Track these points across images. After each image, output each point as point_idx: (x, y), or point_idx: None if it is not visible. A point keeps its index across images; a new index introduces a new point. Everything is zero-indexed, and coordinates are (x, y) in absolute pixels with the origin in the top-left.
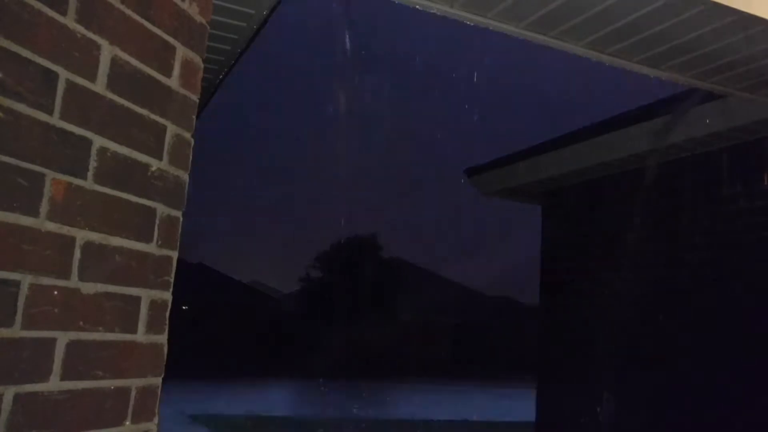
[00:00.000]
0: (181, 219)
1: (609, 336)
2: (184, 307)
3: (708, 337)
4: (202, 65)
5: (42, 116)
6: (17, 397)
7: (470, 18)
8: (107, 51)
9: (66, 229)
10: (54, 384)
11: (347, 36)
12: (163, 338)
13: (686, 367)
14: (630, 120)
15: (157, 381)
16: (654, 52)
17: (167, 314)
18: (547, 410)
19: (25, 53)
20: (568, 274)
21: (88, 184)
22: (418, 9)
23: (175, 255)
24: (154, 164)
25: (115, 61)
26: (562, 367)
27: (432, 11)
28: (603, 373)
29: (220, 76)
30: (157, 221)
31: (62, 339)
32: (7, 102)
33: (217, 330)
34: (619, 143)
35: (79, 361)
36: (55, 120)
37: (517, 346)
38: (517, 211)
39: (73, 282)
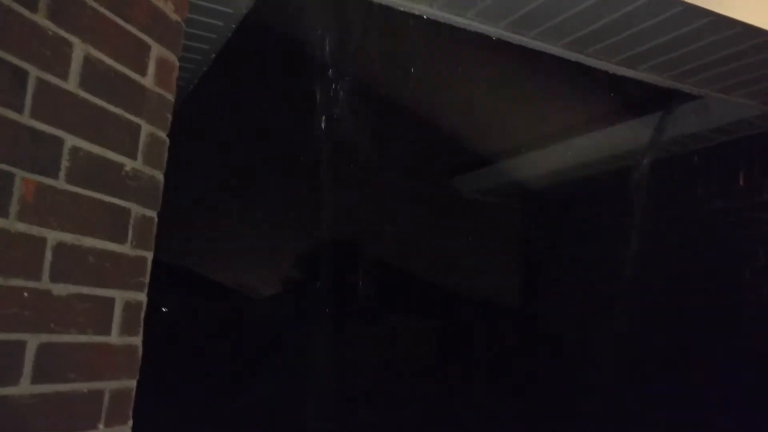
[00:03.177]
0: (156, 219)
1: (591, 337)
2: (164, 309)
3: (691, 337)
4: (177, 64)
5: (11, 115)
6: None
7: (450, 18)
8: (79, 49)
9: (36, 230)
10: (24, 387)
11: (327, 39)
12: (137, 340)
13: (668, 365)
14: (609, 119)
15: (132, 384)
16: (632, 52)
17: (142, 316)
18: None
19: None
20: (548, 274)
21: (60, 183)
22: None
23: (150, 256)
24: (129, 164)
25: (87, 60)
26: (544, 366)
27: (412, 11)
28: (584, 370)
29: (198, 75)
30: (131, 222)
31: (33, 342)
32: None
33: (197, 332)
34: (597, 144)
35: (51, 364)
36: (26, 119)
37: (500, 347)
38: (498, 211)
39: (44, 283)
